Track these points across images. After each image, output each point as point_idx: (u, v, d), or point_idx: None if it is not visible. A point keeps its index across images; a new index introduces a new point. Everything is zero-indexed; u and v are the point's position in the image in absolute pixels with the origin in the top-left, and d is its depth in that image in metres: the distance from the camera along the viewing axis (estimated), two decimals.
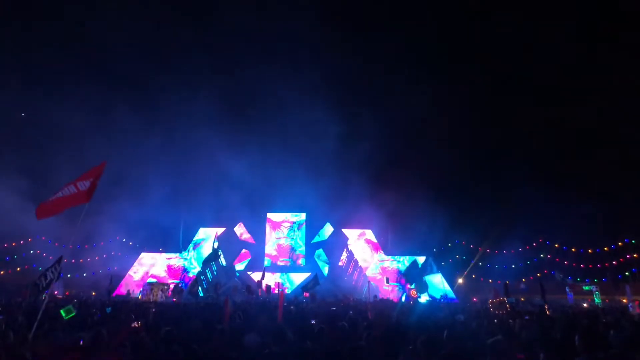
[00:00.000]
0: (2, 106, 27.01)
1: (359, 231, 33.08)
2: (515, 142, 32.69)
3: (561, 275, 28.62)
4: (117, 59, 29.87)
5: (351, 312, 11.95)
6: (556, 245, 31.92)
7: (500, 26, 32.41)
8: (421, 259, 30.92)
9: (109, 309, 11.58)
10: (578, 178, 29.41)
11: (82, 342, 4.43)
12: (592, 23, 29.34)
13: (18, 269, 30.64)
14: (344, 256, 32.98)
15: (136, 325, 7.05)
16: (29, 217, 27.79)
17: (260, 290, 27.18)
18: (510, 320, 9.22)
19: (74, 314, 7.53)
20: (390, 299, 26.23)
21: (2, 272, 29.95)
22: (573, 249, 31.45)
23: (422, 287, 27.94)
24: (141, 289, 26.89)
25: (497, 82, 34.25)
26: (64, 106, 28.38)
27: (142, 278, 29.80)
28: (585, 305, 24.28)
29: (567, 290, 27.00)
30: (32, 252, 31.60)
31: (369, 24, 33.33)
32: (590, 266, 29.14)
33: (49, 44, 28.40)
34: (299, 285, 30.66)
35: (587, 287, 27.70)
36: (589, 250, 30.87)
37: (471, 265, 31.88)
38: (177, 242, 33.39)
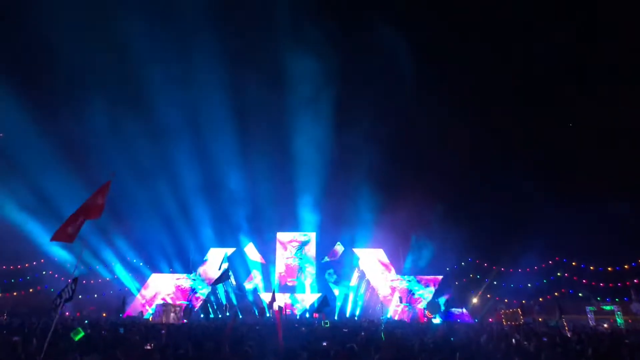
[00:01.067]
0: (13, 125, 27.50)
1: (370, 250, 32.70)
2: (531, 158, 32.17)
3: (587, 294, 27.73)
4: (126, 73, 30.31)
5: (363, 333, 11.73)
6: (574, 264, 31.01)
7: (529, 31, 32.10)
8: (433, 279, 30.47)
9: (121, 330, 11.57)
10: (598, 194, 28.73)
11: None
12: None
13: (31, 290, 30.93)
14: (355, 276, 32.52)
15: (149, 347, 7.02)
16: (40, 238, 28.38)
17: (271, 311, 26.94)
18: (526, 342, 8.94)
19: (82, 334, 7.54)
20: (403, 319, 25.74)
21: (15, 294, 30.23)
22: (592, 267, 30.50)
23: (435, 308, 27.31)
24: (152, 310, 26.83)
25: (514, 100, 34.12)
26: (75, 124, 29.11)
27: (153, 299, 29.76)
28: (606, 325, 23.40)
29: (588, 310, 26.11)
30: (44, 272, 31.95)
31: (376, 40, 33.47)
32: (610, 285, 28.12)
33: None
34: (311, 306, 30.30)
35: (608, 307, 26.75)
36: (609, 269, 29.88)
37: (486, 284, 31.10)
38: (187, 262, 33.41)
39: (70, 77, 29.51)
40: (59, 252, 29.98)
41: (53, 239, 7.27)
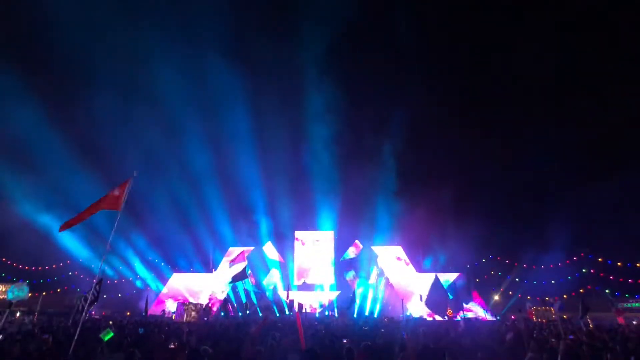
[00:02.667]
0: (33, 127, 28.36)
1: (389, 248, 32.50)
2: (554, 152, 31.36)
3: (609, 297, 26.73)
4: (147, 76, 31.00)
5: (383, 330, 11.67)
6: (600, 259, 30.06)
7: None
8: (452, 276, 29.95)
9: (141, 330, 11.79)
10: (622, 186, 27.78)
11: None
12: None
13: (59, 290, 32.00)
14: (374, 274, 32.37)
15: (173, 346, 7.15)
16: (64, 239, 29.32)
17: (292, 310, 27.13)
18: (553, 340, 8.70)
19: (112, 334, 7.75)
20: (423, 316, 25.42)
21: (44, 293, 31.31)
22: (619, 263, 29.50)
23: (458, 306, 26.85)
24: (174, 309, 27.34)
25: (531, 99, 33.36)
26: (96, 125, 29.86)
27: (175, 298, 30.34)
28: (634, 322, 22.62)
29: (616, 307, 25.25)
30: (70, 273, 33.01)
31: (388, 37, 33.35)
32: (639, 281, 27.17)
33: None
34: (330, 304, 30.35)
35: (637, 304, 25.88)
36: (637, 264, 28.85)
37: (507, 281, 30.48)
38: (207, 262, 33.95)
39: (86, 75, 30.24)
40: (84, 253, 30.90)
41: (63, 227, 7.40)
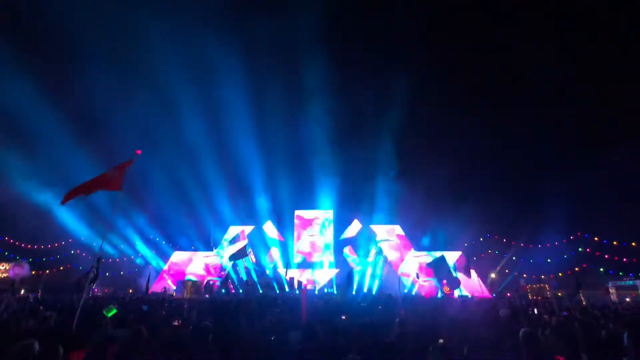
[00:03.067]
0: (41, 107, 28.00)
1: (388, 227, 32.80)
2: (552, 131, 31.19)
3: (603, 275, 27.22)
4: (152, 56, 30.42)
5: (380, 307, 11.88)
6: (596, 239, 30.41)
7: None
8: (455, 255, 30.40)
9: (145, 307, 12.02)
10: (618, 167, 27.80)
11: (123, 339, 4.61)
12: None
13: (61, 268, 32.42)
14: (372, 252, 32.80)
15: (177, 323, 7.29)
16: (65, 218, 29.47)
17: (292, 286, 27.67)
18: (546, 316, 8.89)
19: (115, 311, 7.91)
20: (422, 294, 25.91)
21: (47, 272, 31.73)
22: (615, 242, 29.86)
23: (455, 283, 27.30)
24: (175, 287, 27.79)
25: (536, 67, 32.78)
26: (95, 102, 29.50)
27: (176, 276, 30.80)
28: (628, 300, 23.09)
29: (610, 285, 25.77)
30: (72, 252, 33.36)
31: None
32: (634, 260, 27.54)
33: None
34: (329, 281, 30.89)
35: (630, 282, 26.34)
36: (633, 244, 29.21)
37: (504, 260, 30.91)
38: (208, 241, 34.31)
39: (84, 50, 29.65)
40: (85, 232, 31.14)
41: (65, 200, 7.33)
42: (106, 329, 6.50)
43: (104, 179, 7.50)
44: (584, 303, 14.55)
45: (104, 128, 30.41)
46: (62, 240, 32.83)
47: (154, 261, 33.74)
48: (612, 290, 25.56)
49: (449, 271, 26.60)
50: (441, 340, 5.13)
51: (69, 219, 29.40)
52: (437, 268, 20.20)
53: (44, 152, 28.55)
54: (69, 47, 29.61)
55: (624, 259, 28.72)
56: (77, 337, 4.57)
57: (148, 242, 34.18)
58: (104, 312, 7.67)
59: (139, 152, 8.36)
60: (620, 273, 27.78)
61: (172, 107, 31.69)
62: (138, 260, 33.82)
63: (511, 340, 4.92)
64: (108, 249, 32.63)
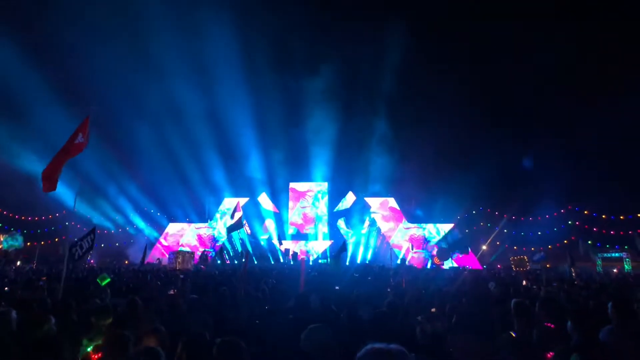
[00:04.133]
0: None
1: (381, 199, 33.11)
2: (542, 106, 30.95)
3: (586, 245, 27.82)
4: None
5: (370, 278, 12.12)
6: (586, 212, 30.97)
7: None
8: (447, 227, 31.05)
9: (149, 276, 12.19)
10: (608, 143, 27.95)
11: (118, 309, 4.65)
12: None
13: (57, 239, 32.50)
14: (366, 224, 33.24)
15: (172, 292, 7.38)
16: (59, 189, 29.23)
17: (286, 257, 28.14)
18: (534, 287, 9.12)
19: (108, 280, 7.98)
20: (414, 265, 26.49)
21: (42, 243, 31.84)
22: (604, 216, 30.45)
23: (445, 255, 27.94)
24: (168, 258, 27.98)
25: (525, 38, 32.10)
26: (82, 69, 28.49)
27: (173, 247, 31.11)
28: (615, 271, 23.82)
29: (597, 257, 26.47)
30: (67, 223, 33.33)
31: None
32: (621, 233, 28.20)
33: None
34: (323, 252, 31.41)
35: (616, 254, 27.07)
36: (621, 217, 29.81)
37: (495, 232, 31.50)
38: (202, 212, 34.47)
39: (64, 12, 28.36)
40: (79, 204, 30.97)
41: (46, 189, 7.12)
42: (101, 299, 6.54)
43: (70, 147, 7.17)
44: (573, 275, 14.94)
45: (93, 93, 29.54)
46: (57, 212, 32.72)
47: (149, 232, 33.98)
48: (598, 262, 26.28)
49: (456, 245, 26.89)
50: (433, 309, 5.24)
51: (62, 190, 29.13)
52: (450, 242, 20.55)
53: (31, 120, 27.88)
54: (52, 9, 28.35)
55: (612, 232, 29.39)
56: (64, 306, 4.60)
57: (143, 213, 34.27)
58: (98, 280, 7.73)
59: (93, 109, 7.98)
60: (607, 245, 28.48)
61: (164, 74, 30.69)
62: (133, 232, 34.00)
63: (500, 310, 5.04)
64: (104, 221, 32.73)
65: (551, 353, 3.31)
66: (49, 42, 28.77)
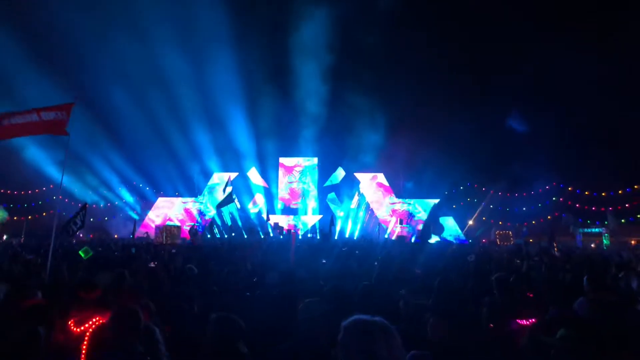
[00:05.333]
0: None
1: (370, 175, 33.34)
2: (531, 83, 30.72)
3: (571, 219, 28.63)
4: None
5: (357, 252, 12.31)
6: (570, 189, 31.68)
7: None
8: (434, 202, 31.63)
9: (133, 250, 12.18)
10: (593, 120, 28.22)
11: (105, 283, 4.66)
12: None
13: (44, 214, 32.14)
14: (355, 199, 33.56)
15: (153, 265, 7.38)
16: (44, 163, 28.59)
17: (276, 231, 28.37)
18: (517, 261, 9.41)
19: (91, 253, 7.98)
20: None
21: (30, 217, 31.50)
22: (586, 192, 31.22)
23: (438, 229, 28.59)
24: (155, 232, 27.91)
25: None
26: (67, 37, 27.29)
27: (162, 222, 31.05)
28: (593, 246, 24.66)
29: (578, 232, 27.31)
30: (54, 197, 32.88)
31: None
32: (602, 209, 29.03)
33: None
34: (313, 226, 31.76)
35: (596, 230, 27.95)
36: (603, 194, 30.61)
37: (481, 207, 32.16)
38: (192, 187, 34.32)
39: None
40: (66, 178, 30.46)
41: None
42: (89, 272, 6.55)
43: (47, 121, 6.91)
44: (555, 249, 15.42)
45: (78, 61, 28.48)
46: (43, 186, 32.19)
47: (138, 207, 33.82)
48: (579, 237, 27.15)
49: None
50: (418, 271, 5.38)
51: (46, 163, 28.53)
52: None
53: (13, 92, 26.82)
54: None
55: (593, 208, 30.24)
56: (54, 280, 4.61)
57: (132, 188, 33.98)
58: (81, 253, 7.72)
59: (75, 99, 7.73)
60: (588, 221, 29.35)
61: (150, 40, 29.51)
62: (121, 205, 33.77)
63: (480, 284, 5.22)
64: (92, 196, 32.40)
65: (532, 320, 3.48)
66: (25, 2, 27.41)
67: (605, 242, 25.94)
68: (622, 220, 28.02)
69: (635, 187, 29.91)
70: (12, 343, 2.88)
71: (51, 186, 32.02)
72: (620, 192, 30.19)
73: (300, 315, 3.12)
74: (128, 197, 33.85)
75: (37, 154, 27.96)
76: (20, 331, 2.93)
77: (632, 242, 25.19)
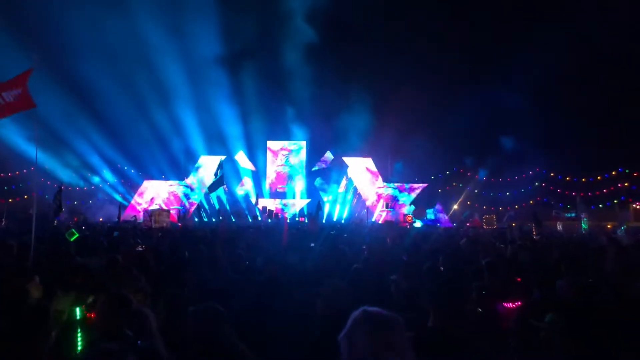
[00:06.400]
0: None
1: (358, 159, 33.44)
2: (515, 71, 30.89)
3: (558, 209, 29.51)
4: None
5: (345, 235, 12.48)
6: (552, 174, 32.42)
7: None
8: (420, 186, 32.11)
9: (116, 233, 12.03)
10: (578, 109, 28.70)
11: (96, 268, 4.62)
12: None
13: (26, 197, 31.34)
14: (343, 183, 33.73)
15: (141, 248, 7.31)
16: (22, 145, 27.68)
17: (264, 215, 28.44)
18: (502, 245, 9.67)
19: (77, 235, 7.87)
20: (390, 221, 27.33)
21: (10, 200, 30.71)
22: (567, 178, 32.03)
23: (421, 213, 29.09)
24: (142, 215, 27.63)
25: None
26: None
27: (148, 205, 30.71)
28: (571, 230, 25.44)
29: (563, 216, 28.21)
30: (33, 180, 32.03)
31: None
32: (582, 195, 29.83)
33: None
34: (300, 210, 31.90)
35: (574, 214, 28.80)
36: (583, 179, 31.43)
37: (466, 192, 32.76)
38: (179, 170, 33.88)
39: None
40: (47, 161, 29.65)
41: None
42: (78, 257, 6.48)
43: (6, 102, 6.59)
44: (534, 233, 15.87)
45: (54, 36, 27.15)
46: (24, 169, 31.28)
47: (125, 189, 33.26)
48: (559, 222, 27.94)
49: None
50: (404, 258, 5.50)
51: (24, 145, 27.59)
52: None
53: None
54: None
55: (573, 193, 31.06)
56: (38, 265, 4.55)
57: (117, 171, 33.30)
58: (67, 235, 7.61)
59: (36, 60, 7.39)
60: (569, 206, 30.17)
61: (136, 17, 28.38)
62: (107, 189, 33.17)
63: (470, 266, 5.37)
64: (77, 179, 31.72)
65: (517, 303, 3.63)
66: None
67: (584, 226, 26.76)
68: (592, 207, 28.89)
69: (613, 172, 30.80)
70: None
71: (32, 168, 31.17)
72: (599, 177, 31.09)
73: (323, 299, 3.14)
74: (111, 179, 33.24)
75: (9, 133, 26.80)
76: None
77: (609, 225, 26.02)
